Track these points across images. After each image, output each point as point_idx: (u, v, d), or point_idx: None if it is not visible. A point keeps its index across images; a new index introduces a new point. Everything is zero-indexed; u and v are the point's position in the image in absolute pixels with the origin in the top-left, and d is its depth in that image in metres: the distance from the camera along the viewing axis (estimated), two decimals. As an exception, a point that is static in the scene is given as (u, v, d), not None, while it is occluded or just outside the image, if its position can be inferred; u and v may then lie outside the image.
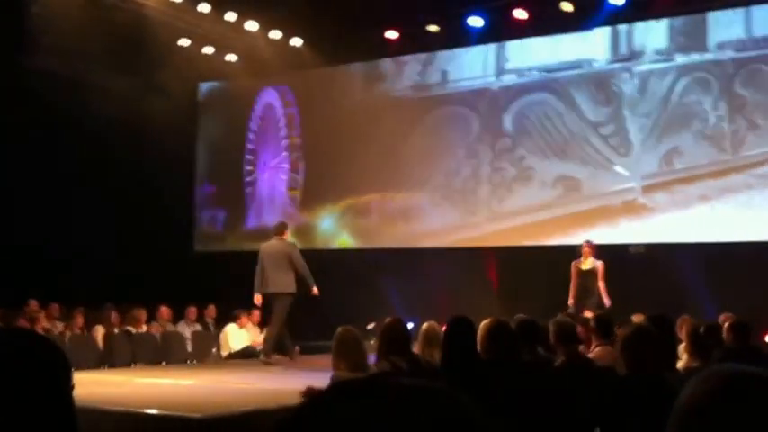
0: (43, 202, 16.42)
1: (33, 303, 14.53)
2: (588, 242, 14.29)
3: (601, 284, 13.88)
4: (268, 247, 12.96)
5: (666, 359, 6.46)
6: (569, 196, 16.14)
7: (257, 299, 13.02)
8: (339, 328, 6.77)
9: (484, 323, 6.36)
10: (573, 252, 14.21)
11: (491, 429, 1.16)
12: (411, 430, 1.10)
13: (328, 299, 14.83)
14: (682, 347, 8.45)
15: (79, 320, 14.45)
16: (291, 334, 13.43)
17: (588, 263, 14.12)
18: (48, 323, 14.18)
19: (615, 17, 15.90)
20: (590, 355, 7.72)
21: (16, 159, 16.32)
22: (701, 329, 8.43)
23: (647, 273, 14.60)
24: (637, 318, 11.16)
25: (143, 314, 15.00)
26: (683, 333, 8.95)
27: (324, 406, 1.14)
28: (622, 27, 16.08)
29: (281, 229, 13.21)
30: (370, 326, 12.58)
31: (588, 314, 12.70)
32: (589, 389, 6.06)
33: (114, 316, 14.81)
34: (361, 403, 1.13)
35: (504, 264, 16.27)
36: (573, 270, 14.18)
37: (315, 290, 12.94)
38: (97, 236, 16.75)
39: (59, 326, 14.46)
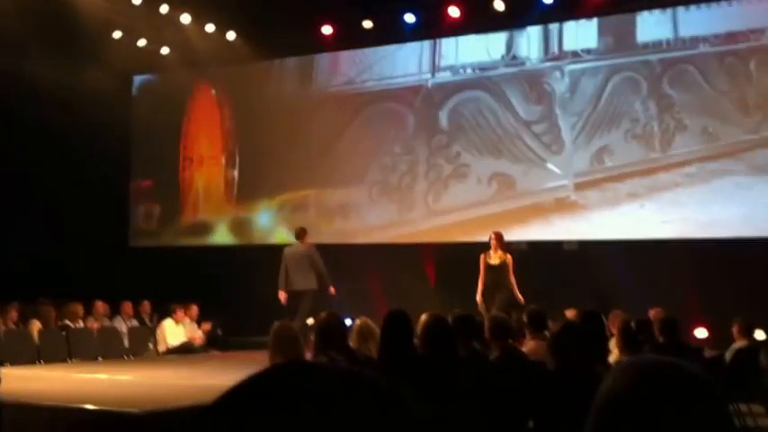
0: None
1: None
2: (497, 233, 13.99)
3: (512, 279, 13.62)
4: (291, 249, 14.43)
5: (597, 353, 6.64)
6: (504, 193, 16.30)
7: (282, 296, 14.18)
8: (275, 323, 6.85)
9: (422, 318, 6.47)
10: (509, 248, 14.31)
11: (416, 410, 1.18)
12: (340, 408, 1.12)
13: (266, 295, 14.90)
14: (613, 342, 8.66)
15: (13, 315, 14.32)
16: (230, 329, 13.53)
17: (497, 256, 13.77)
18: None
19: (547, 16, 16.11)
20: (524, 350, 7.85)
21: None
22: (632, 324, 8.64)
23: (580, 269, 14.83)
24: (569, 313, 11.41)
25: (79, 309, 14.92)
26: (614, 328, 9.17)
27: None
28: (554, 26, 16.30)
29: (301, 234, 14.59)
30: (309, 321, 12.66)
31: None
32: (522, 383, 6.21)
33: (50, 311, 14.69)
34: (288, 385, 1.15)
35: (441, 259, 16.42)
36: (481, 264, 13.77)
37: (332, 289, 14.31)
38: (31, 230, 16.60)
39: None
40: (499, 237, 13.88)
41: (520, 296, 13.43)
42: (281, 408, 1.13)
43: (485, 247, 13.91)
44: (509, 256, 13.77)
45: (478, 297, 13.58)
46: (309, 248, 14.43)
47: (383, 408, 1.15)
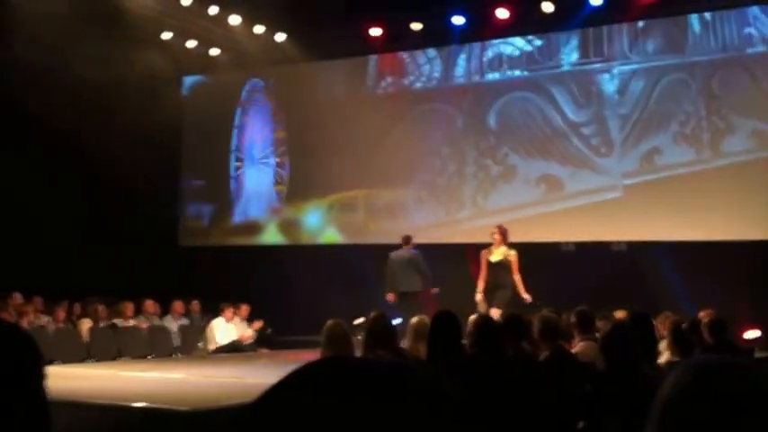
0: (26, 194, 16.31)
1: (17, 296, 14.47)
2: (500, 227, 13.70)
3: (516, 277, 13.35)
4: (397, 253, 15.08)
5: (646, 355, 6.61)
6: (552, 194, 16.24)
7: (390, 297, 14.73)
8: (329, 322, 6.87)
9: (471, 318, 6.49)
10: (557, 249, 14.25)
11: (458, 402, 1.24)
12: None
13: (315, 294, 14.95)
14: (664, 344, 8.60)
15: (62, 314, 14.43)
16: (280, 328, 13.59)
17: (498, 253, 13.47)
18: (32, 316, 14.14)
19: (595, 18, 16.00)
20: (573, 350, 7.82)
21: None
22: (684, 325, 8.57)
23: (629, 270, 14.74)
24: (618, 314, 11.33)
25: (129, 308, 15.05)
26: (664, 329, 9.10)
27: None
28: (603, 28, 16.19)
29: (408, 240, 15.17)
30: (358, 321, 12.68)
31: (495, 312, 12.25)
32: (572, 383, 6.19)
33: (100, 309, 14.82)
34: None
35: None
36: (482, 261, 13.50)
37: (435, 289, 14.69)
38: (83, 229, 16.73)
39: (44, 319, 14.41)
40: (503, 231, 13.62)
41: (526, 295, 13.19)
42: (324, 397, 1.17)
43: (533, 247, 13.84)
44: (513, 253, 13.47)
45: (478, 296, 13.41)
46: (415, 254, 14.99)
47: (424, 400, 1.20)
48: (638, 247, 15.18)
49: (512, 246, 13.67)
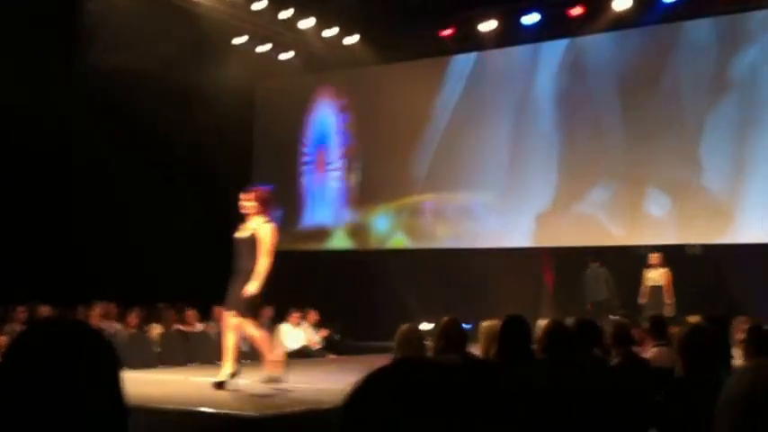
0: (99, 200, 16.48)
1: (99, 307, 14.59)
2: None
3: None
4: (592, 266, 15.99)
5: (723, 359, 6.44)
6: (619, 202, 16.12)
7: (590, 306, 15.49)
8: (402, 326, 6.82)
9: (543, 323, 6.41)
10: (626, 252, 14.03)
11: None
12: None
13: (383, 299, 14.87)
14: (739, 349, 8.39)
15: (134, 319, 14.52)
16: (348, 334, 13.54)
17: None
18: (104, 323, 14.24)
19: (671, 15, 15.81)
20: (646, 356, 7.68)
21: (78, 158, 16.46)
22: (764, 328, 8.36)
23: (704, 273, 14.53)
24: (692, 319, 11.09)
25: (197, 314, 15.11)
26: (740, 334, 8.89)
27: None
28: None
29: (596, 258, 15.92)
30: (426, 326, 12.59)
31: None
32: (645, 389, 6.04)
33: (170, 315, 14.89)
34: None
35: (560, 264, 16.26)
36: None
37: (615, 299, 15.50)
38: (152, 236, 16.83)
39: (116, 325, 14.52)
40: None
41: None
42: (397, 399, 1.25)
43: (605, 251, 13.69)
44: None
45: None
46: (605, 271, 15.93)
47: (482, 401, 1.28)
48: (713, 250, 14.92)
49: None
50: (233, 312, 9.60)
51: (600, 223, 15.99)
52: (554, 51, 17.10)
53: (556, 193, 16.61)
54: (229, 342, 9.75)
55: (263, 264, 9.50)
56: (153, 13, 15.69)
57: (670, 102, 15.82)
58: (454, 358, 6.51)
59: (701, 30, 15.90)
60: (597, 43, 16.66)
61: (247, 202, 9.73)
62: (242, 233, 9.74)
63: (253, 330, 9.71)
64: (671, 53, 16.02)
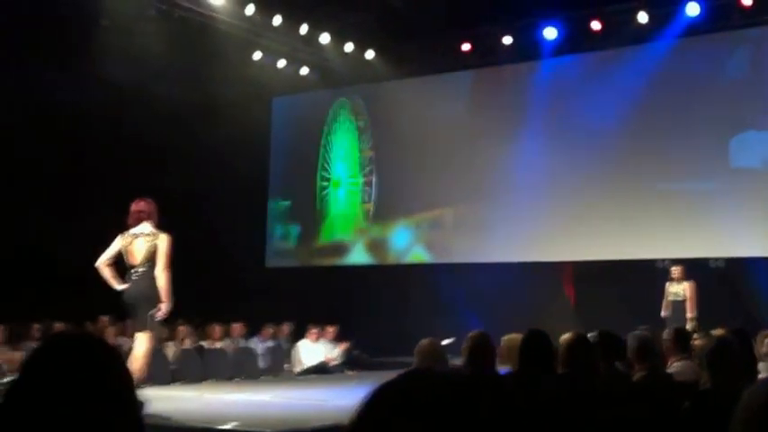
0: (111, 218, 16.38)
1: (103, 319, 14.54)
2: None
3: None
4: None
5: (749, 372, 6.32)
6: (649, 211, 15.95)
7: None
8: (422, 341, 6.73)
9: (564, 337, 6.31)
10: (644, 266, 13.90)
11: None
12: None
13: (402, 315, 14.76)
14: (763, 362, 8.27)
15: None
16: (366, 349, 13.45)
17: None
18: (117, 339, 14.18)
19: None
20: (670, 370, 7.54)
21: (86, 174, 16.41)
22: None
23: (727, 287, 14.40)
24: (716, 332, 10.95)
25: (217, 330, 15.05)
26: (764, 348, 8.78)
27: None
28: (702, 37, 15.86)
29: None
30: (446, 341, 12.48)
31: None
32: (670, 403, 5.92)
33: (185, 332, 14.81)
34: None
35: (581, 278, 16.13)
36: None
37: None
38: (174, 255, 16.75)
39: (130, 342, 14.44)
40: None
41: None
42: (406, 409, 1.28)
43: (627, 265, 13.57)
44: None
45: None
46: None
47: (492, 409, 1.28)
48: (735, 264, 14.76)
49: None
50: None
51: (622, 236, 15.83)
52: (574, 65, 16.99)
53: (577, 206, 16.45)
54: None
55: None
56: (172, 29, 15.69)
57: (694, 114, 15.66)
58: (464, 370, 6.42)
59: (722, 43, 15.78)
60: (617, 57, 16.51)
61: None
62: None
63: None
64: (692, 66, 15.87)
